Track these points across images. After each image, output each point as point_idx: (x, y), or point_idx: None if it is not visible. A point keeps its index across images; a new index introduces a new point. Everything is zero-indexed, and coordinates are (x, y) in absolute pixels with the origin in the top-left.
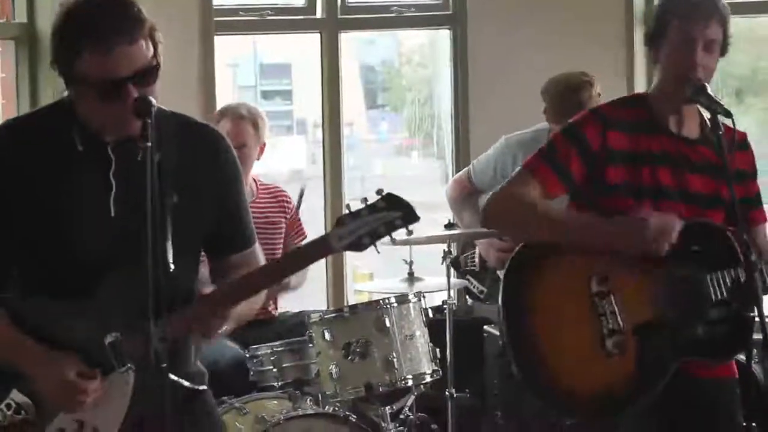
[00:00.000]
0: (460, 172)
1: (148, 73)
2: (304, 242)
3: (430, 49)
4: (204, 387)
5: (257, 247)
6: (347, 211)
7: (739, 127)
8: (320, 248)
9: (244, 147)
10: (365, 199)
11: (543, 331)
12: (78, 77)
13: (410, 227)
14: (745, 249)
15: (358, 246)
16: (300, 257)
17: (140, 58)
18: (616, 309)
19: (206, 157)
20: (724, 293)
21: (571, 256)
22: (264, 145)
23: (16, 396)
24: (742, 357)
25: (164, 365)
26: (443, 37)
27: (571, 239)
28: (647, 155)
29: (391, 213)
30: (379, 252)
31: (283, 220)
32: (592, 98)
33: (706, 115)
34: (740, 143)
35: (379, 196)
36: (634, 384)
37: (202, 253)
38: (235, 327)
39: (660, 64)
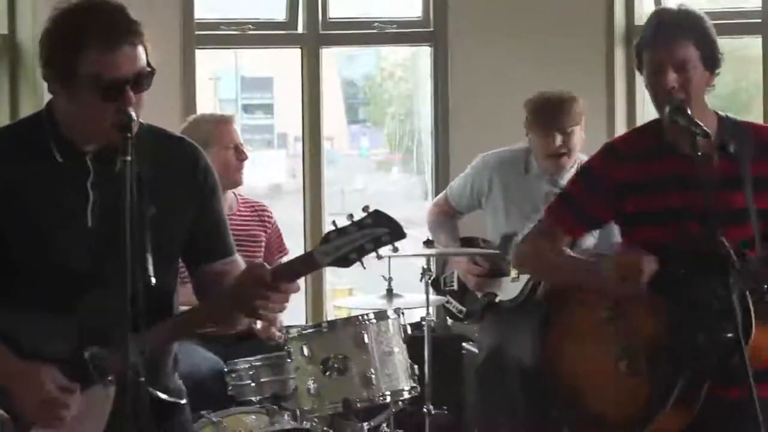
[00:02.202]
0: (438, 196)
1: (146, 77)
2: (285, 258)
3: (411, 65)
4: (184, 401)
5: (239, 257)
6: (333, 228)
7: None
8: (307, 264)
9: (243, 146)
10: (351, 216)
11: (569, 358)
12: (77, 76)
13: (396, 244)
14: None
15: (345, 262)
16: (287, 272)
17: (140, 61)
18: (624, 332)
19: (184, 169)
20: (720, 303)
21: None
22: None
23: None
24: None
25: (142, 378)
26: (425, 52)
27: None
28: (659, 181)
29: (378, 229)
30: (365, 268)
31: (263, 234)
32: (566, 114)
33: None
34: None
35: (366, 213)
36: (646, 402)
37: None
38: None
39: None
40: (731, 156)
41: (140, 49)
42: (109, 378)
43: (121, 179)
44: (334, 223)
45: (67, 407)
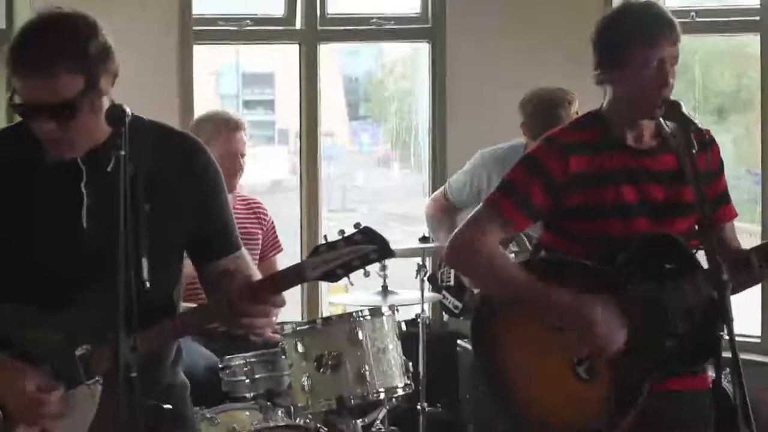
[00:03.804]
0: (437, 191)
1: (61, 110)
2: (278, 255)
3: (412, 61)
4: (168, 406)
5: (245, 251)
6: (324, 242)
7: (719, 145)
8: (294, 276)
9: (244, 156)
10: (342, 231)
11: (514, 364)
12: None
13: (385, 262)
14: (717, 267)
15: (332, 276)
16: (275, 283)
17: (58, 92)
18: (580, 339)
19: (185, 165)
20: (687, 303)
21: None
22: None
23: None
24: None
25: (134, 375)
26: (425, 48)
27: (519, 302)
28: (609, 174)
29: (367, 246)
30: (352, 284)
31: (259, 232)
32: (569, 116)
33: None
34: (698, 144)
35: (356, 229)
36: (609, 407)
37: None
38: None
39: (622, 84)
40: (677, 151)
41: (62, 78)
42: (96, 378)
43: (115, 176)
44: (325, 237)
45: (46, 406)
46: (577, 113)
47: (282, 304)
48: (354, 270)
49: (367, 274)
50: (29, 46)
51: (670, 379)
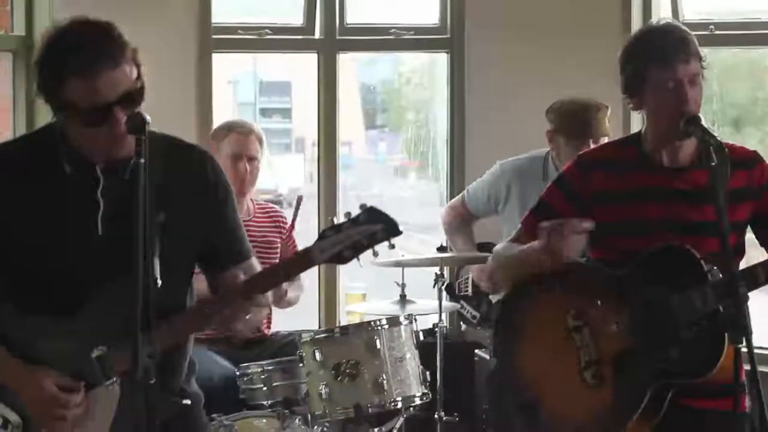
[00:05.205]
0: (455, 198)
1: (134, 96)
2: None
3: (429, 71)
4: (187, 401)
5: (255, 261)
6: (330, 225)
7: None
8: (303, 260)
9: (255, 160)
10: (348, 213)
11: (528, 367)
12: (64, 104)
13: (393, 242)
14: (733, 281)
15: (340, 258)
16: (285, 268)
17: (125, 82)
18: (591, 341)
19: (195, 177)
20: (695, 314)
21: (552, 293)
22: None
23: (3, 410)
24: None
25: (152, 381)
26: (443, 58)
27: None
28: (634, 192)
29: (373, 226)
30: (361, 266)
31: (278, 239)
32: (599, 123)
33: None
34: (742, 161)
35: (361, 210)
36: (613, 412)
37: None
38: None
39: (647, 109)
40: (712, 169)
41: (124, 68)
42: (114, 379)
43: (133, 183)
44: (331, 220)
45: (67, 407)
46: (608, 121)
47: (288, 298)
48: (363, 251)
49: (376, 254)
50: (84, 49)
51: (696, 398)
